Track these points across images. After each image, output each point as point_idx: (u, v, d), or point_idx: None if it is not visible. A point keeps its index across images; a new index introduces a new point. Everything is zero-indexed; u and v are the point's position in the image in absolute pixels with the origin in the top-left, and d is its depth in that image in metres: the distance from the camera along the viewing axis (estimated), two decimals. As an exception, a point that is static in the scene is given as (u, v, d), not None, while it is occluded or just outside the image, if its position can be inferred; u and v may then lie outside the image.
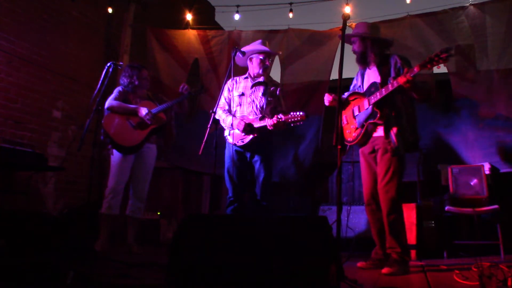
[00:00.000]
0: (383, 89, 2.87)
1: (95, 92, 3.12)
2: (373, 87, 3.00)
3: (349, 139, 3.19)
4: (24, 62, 4.45)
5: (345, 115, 3.26)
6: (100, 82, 3.14)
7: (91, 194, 3.25)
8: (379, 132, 3.03)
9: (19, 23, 4.40)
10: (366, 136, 3.09)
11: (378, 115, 2.94)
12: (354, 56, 3.22)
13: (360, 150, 3.23)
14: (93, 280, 2.34)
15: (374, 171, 3.11)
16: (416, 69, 2.67)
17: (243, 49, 3.63)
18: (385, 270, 2.78)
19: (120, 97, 3.78)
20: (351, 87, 3.37)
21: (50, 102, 4.78)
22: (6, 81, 4.26)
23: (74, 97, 5.05)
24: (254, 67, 3.64)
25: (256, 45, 3.67)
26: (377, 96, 2.92)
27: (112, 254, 3.38)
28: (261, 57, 3.59)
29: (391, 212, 2.92)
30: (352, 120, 3.18)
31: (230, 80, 3.67)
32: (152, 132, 3.72)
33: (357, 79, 3.31)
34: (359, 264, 3.07)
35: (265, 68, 3.61)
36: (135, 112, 3.69)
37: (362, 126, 3.06)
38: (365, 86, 3.14)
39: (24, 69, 4.45)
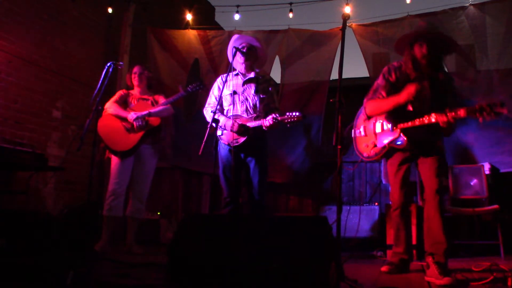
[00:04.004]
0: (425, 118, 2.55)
1: (95, 92, 3.12)
2: None
3: (364, 154, 2.96)
4: (24, 62, 4.45)
5: (364, 125, 3.02)
6: (100, 82, 3.15)
7: (91, 194, 3.24)
8: None
9: (19, 23, 4.40)
10: (386, 156, 2.89)
11: (405, 143, 2.68)
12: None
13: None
14: (93, 280, 2.34)
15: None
16: (462, 114, 2.44)
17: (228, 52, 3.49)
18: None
19: (120, 99, 3.87)
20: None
21: (50, 102, 4.77)
22: (6, 81, 4.26)
23: (74, 97, 5.05)
24: (238, 62, 3.48)
25: (232, 41, 3.52)
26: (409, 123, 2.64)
27: (112, 254, 3.38)
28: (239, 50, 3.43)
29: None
30: (372, 135, 2.92)
31: (220, 77, 3.56)
32: (146, 134, 3.73)
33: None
34: (383, 268, 2.88)
35: (247, 58, 3.43)
36: (125, 119, 3.73)
37: (383, 147, 2.83)
38: None
39: (24, 69, 4.45)
